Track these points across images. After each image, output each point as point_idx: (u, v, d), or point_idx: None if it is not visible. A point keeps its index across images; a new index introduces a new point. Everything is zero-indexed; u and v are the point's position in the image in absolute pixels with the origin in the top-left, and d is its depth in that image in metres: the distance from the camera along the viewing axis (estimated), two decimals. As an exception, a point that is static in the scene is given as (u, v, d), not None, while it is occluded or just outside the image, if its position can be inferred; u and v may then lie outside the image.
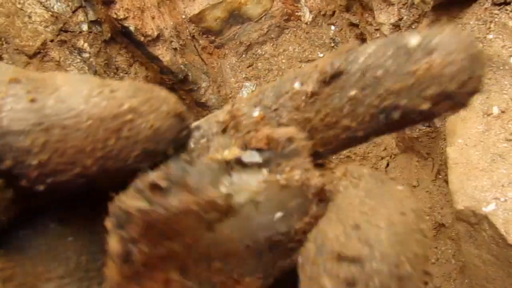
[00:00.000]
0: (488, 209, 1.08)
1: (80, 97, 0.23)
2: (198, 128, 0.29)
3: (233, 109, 0.28)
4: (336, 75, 0.26)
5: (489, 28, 1.29)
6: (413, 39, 0.25)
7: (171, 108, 0.25)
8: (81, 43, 1.63)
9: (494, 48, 1.28)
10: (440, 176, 1.67)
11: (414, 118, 0.26)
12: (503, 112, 1.24)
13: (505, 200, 1.07)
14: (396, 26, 1.68)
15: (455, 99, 0.25)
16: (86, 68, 1.63)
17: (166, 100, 0.25)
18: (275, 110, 0.27)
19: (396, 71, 0.25)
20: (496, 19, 1.28)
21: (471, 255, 1.17)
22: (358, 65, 0.25)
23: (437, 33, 0.25)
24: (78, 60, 1.62)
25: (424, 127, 1.65)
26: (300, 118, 0.27)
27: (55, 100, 0.23)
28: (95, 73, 1.66)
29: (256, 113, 0.28)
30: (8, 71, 0.23)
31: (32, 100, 0.22)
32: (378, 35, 1.88)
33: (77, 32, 1.62)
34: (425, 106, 0.25)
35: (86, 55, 1.65)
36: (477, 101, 1.32)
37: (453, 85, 0.24)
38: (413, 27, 1.59)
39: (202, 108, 2.35)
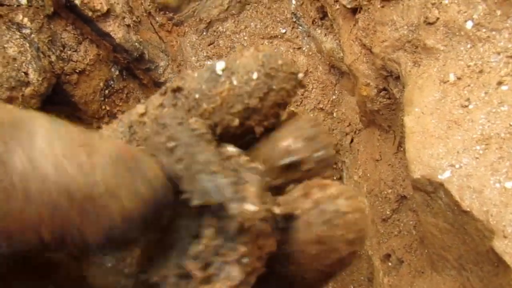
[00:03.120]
0: (443, 176, 1.06)
1: (50, 158, 0.19)
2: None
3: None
4: (175, 90, 0.29)
5: (445, -8, 1.26)
6: (219, 65, 0.28)
7: (150, 190, 0.22)
8: (19, 17, 1.51)
9: (450, 13, 1.25)
10: (401, 149, 1.65)
11: (235, 133, 0.27)
12: (459, 78, 1.22)
13: (460, 167, 1.05)
14: (355, -4, 1.64)
15: (260, 112, 0.27)
16: (28, 45, 1.52)
17: (145, 177, 0.22)
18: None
19: (208, 94, 0.27)
20: (451, -17, 1.25)
21: (429, 224, 1.15)
22: (185, 88, 0.28)
23: (238, 57, 0.27)
24: (17, 37, 1.50)
25: (384, 99, 1.62)
26: None
27: (24, 159, 0.19)
28: (38, 50, 1.55)
29: None
30: None
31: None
32: (338, 6, 1.83)
33: (15, 5, 1.50)
34: (235, 122, 0.27)
35: (27, 31, 1.53)
36: (434, 69, 1.29)
37: (254, 101, 0.27)
38: (371, -4, 1.54)
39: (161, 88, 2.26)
